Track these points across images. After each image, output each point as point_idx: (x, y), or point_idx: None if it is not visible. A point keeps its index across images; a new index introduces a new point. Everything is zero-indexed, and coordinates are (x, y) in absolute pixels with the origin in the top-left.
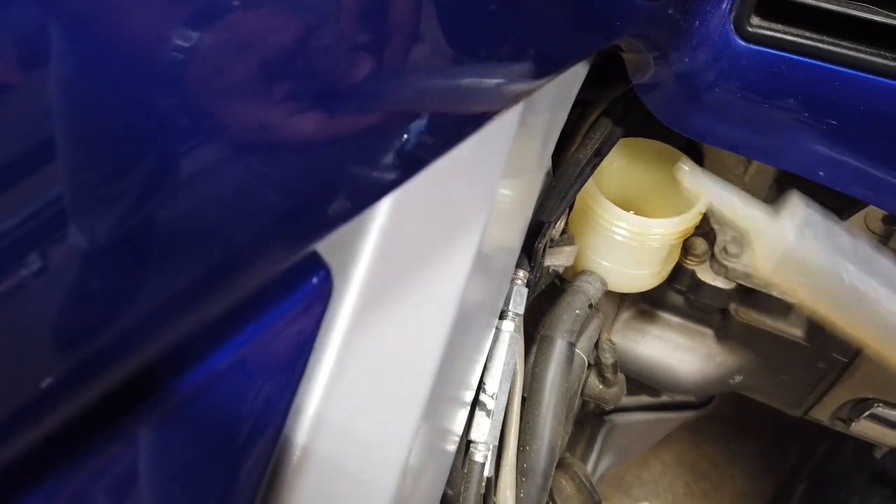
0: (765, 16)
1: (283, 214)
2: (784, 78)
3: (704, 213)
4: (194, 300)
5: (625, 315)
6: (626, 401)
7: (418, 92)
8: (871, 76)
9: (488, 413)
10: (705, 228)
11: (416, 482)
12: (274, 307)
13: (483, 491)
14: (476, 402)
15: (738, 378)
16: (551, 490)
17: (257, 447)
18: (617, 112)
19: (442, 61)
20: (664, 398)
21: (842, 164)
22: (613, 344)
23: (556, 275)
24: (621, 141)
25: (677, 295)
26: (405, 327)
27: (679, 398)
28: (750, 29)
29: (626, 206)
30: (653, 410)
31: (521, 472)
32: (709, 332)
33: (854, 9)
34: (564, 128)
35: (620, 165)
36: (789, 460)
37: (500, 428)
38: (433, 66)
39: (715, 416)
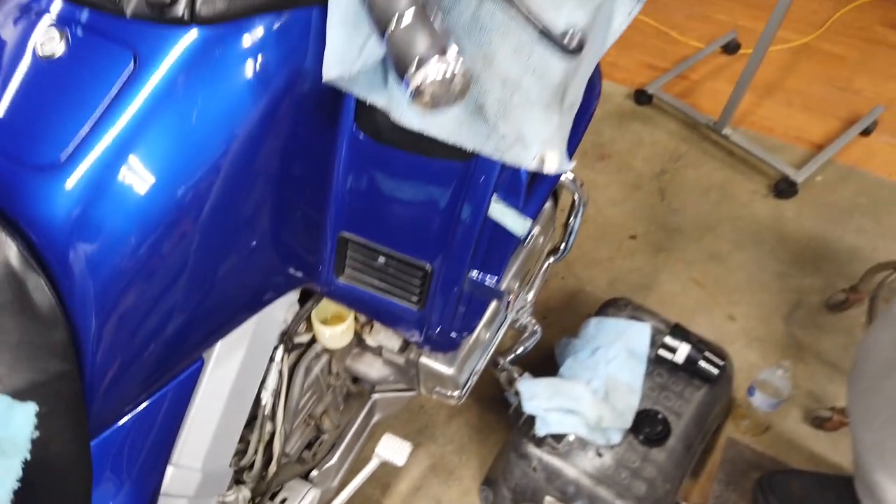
0: (349, 270)
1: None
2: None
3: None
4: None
5: (353, 352)
6: (383, 388)
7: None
8: None
9: (266, 391)
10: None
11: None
12: (180, 376)
13: (269, 430)
14: (261, 390)
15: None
16: (321, 421)
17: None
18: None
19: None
20: (399, 383)
21: None
22: (340, 368)
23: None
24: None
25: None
26: (225, 385)
27: (403, 388)
28: (340, 279)
29: (336, 320)
30: (394, 392)
31: (288, 419)
32: (380, 358)
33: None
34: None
35: (327, 308)
36: None
37: (273, 399)
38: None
39: (491, 401)
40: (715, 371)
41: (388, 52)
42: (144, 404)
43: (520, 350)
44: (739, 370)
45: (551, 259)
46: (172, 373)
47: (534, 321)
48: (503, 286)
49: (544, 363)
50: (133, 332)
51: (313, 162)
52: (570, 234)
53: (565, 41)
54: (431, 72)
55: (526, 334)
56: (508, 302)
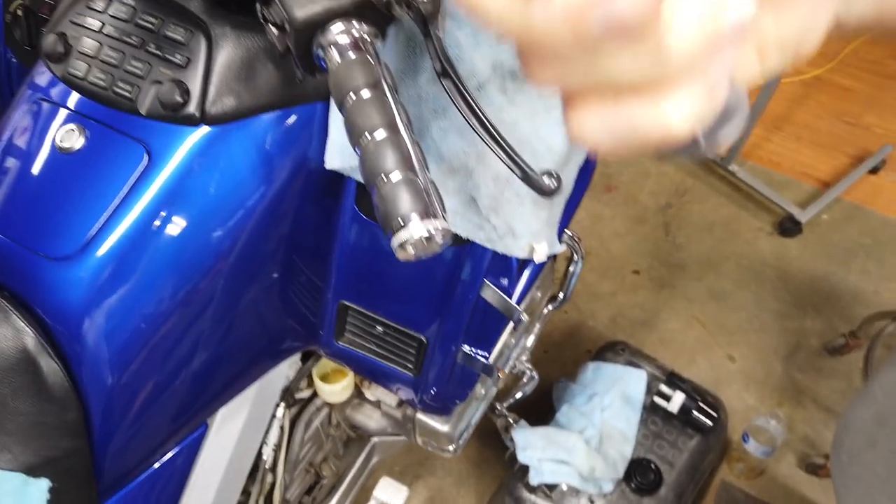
0: (348, 335)
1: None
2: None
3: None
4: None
5: (352, 403)
6: (381, 434)
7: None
8: None
9: (267, 446)
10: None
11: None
12: (185, 441)
13: (269, 481)
14: (262, 445)
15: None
16: (321, 468)
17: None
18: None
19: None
20: (397, 432)
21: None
22: (341, 417)
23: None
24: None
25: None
26: (227, 447)
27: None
28: (339, 342)
29: (337, 374)
30: (391, 436)
31: (288, 469)
32: (378, 410)
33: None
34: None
35: (327, 363)
36: None
37: (274, 453)
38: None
39: (490, 436)
40: (709, 422)
41: (375, 204)
42: (152, 468)
43: (518, 395)
44: (737, 412)
45: (550, 307)
46: (178, 438)
47: (531, 367)
48: (492, 360)
49: (543, 399)
50: (142, 407)
51: (317, 236)
52: (569, 284)
53: (546, 183)
54: (414, 231)
55: (524, 380)
56: (499, 376)
